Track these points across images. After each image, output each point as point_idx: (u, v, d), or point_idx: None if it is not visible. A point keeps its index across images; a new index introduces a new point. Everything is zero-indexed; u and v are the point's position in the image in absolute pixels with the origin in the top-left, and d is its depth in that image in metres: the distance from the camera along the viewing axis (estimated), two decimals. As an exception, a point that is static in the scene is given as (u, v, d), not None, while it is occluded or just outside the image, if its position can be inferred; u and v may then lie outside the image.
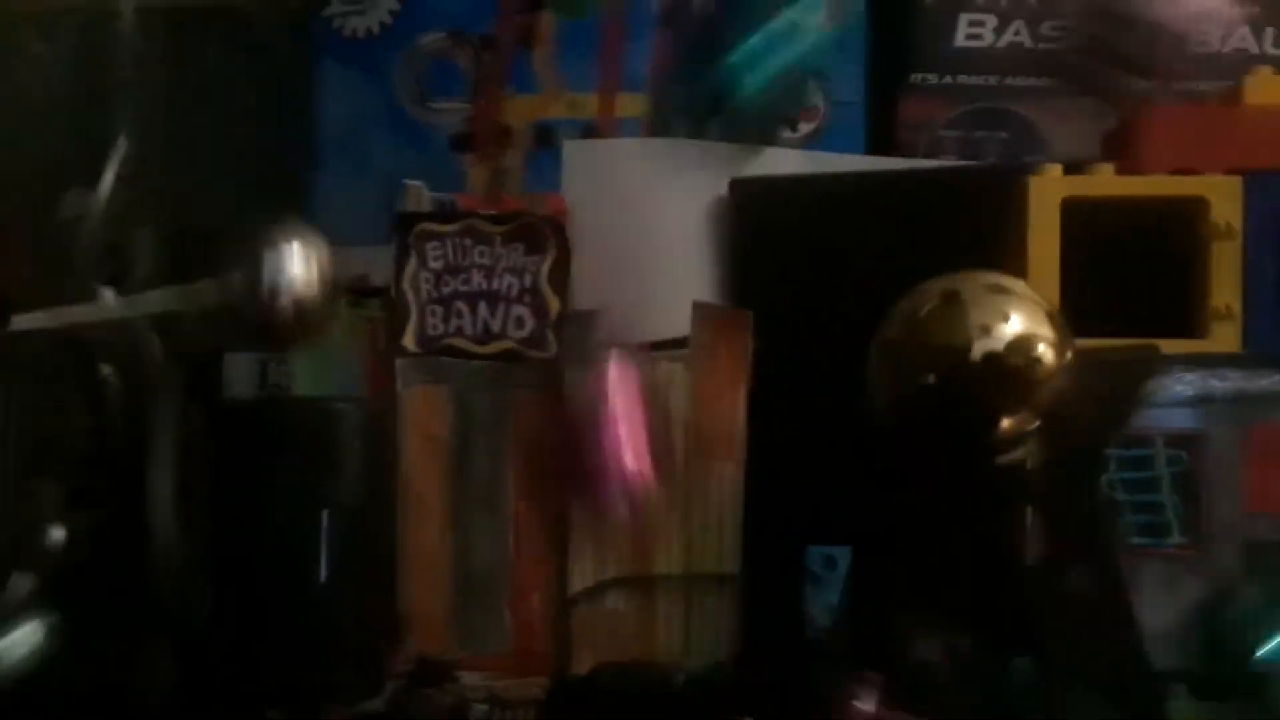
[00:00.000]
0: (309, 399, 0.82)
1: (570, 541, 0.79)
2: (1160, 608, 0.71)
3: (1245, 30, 0.89)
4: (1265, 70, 0.80)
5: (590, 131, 0.93)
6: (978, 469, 0.67)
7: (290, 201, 0.93)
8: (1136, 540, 0.72)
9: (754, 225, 0.85)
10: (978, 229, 0.78)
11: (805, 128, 0.92)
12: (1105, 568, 0.67)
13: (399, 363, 0.81)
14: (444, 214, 0.84)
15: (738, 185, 0.86)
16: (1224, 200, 0.75)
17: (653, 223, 0.87)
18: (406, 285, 0.82)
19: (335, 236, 0.72)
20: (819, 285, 0.81)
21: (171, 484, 0.70)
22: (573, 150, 0.89)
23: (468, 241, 0.82)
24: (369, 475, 0.77)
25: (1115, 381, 0.69)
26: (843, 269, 0.82)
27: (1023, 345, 0.64)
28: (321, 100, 0.96)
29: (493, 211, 0.83)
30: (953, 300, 0.66)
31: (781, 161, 0.88)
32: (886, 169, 0.87)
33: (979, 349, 0.64)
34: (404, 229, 0.82)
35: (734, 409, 0.79)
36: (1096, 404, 0.67)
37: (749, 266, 0.85)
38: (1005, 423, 0.65)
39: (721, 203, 0.86)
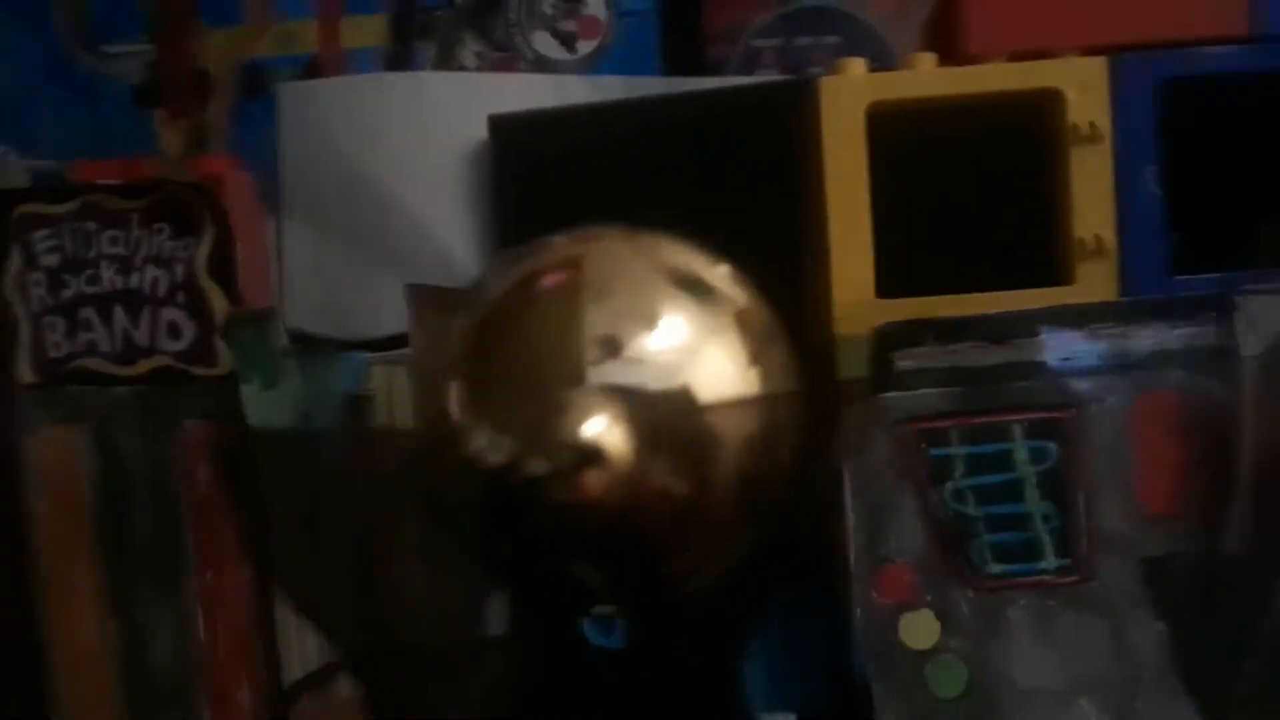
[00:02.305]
0: None
1: (278, 611, 0.65)
2: (1035, 659, 0.52)
3: None
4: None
5: (311, 69, 0.78)
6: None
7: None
8: (997, 569, 0.53)
9: (519, 171, 0.71)
10: (775, 161, 0.63)
11: (585, 46, 0.79)
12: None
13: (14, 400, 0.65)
14: (50, 189, 0.66)
15: (498, 123, 0.72)
16: (1084, 91, 0.56)
17: (393, 179, 0.73)
18: (9, 292, 0.65)
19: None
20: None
21: None
22: (287, 94, 0.75)
23: (91, 225, 0.65)
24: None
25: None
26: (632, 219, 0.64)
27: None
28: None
29: (117, 182, 0.66)
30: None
31: (556, 89, 0.75)
32: (656, 94, 0.72)
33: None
34: (-10, 215, 0.66)
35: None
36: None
37: (516, 225, 0.70)
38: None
39: (481, 147, 0.72)
